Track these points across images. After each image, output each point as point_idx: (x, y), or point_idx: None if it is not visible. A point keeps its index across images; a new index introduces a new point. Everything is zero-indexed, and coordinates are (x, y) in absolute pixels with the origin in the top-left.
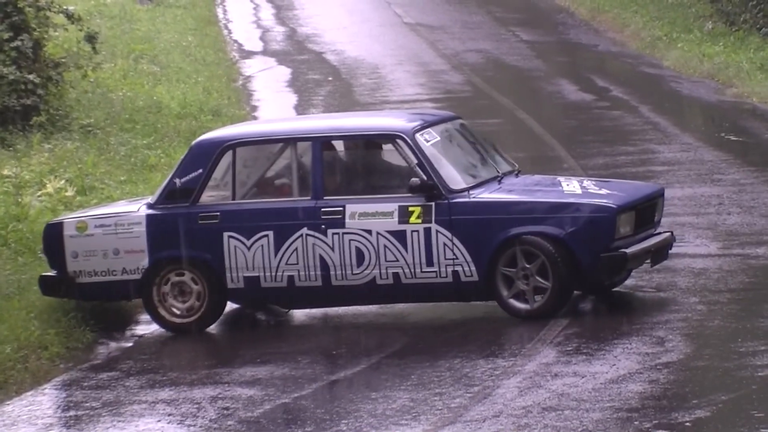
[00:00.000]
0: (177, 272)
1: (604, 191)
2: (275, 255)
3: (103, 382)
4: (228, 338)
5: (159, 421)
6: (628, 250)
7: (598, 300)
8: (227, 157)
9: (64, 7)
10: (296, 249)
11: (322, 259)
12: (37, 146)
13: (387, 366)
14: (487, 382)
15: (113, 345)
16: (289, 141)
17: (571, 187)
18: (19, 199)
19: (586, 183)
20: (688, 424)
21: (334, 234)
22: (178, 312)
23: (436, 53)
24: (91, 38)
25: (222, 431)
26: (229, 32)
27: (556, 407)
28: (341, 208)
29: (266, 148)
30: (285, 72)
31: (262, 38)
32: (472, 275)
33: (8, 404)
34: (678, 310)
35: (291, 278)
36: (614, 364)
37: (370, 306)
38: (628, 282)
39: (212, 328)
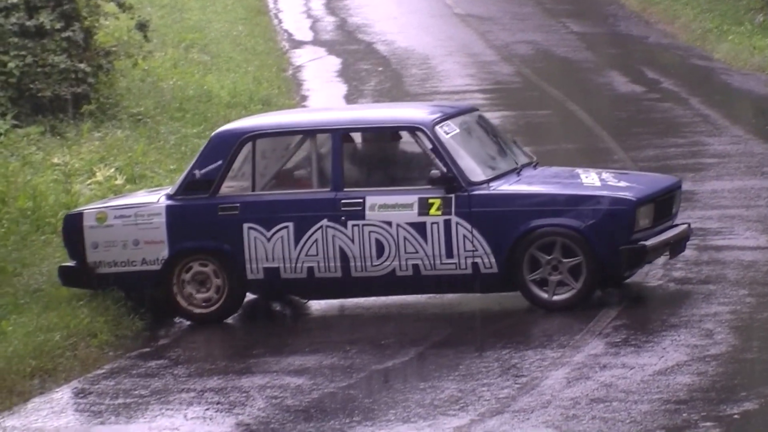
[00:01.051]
0: (196, 263)
1: (623, 183)
2: (295, 246)
3: (151, 370)
4: (275, 328)
5: (207, 409)
6: (647, 243)
7: (646, 292)
8: (247, 149)
9: None
10: (316, 240)
11: (341, 250)
12: (87, 134)
13: (435, 356)
14: (535, 373)
15: (162, 333)
16: (309, 133)
17: (590, 180)
18: (69, 187)
19: (605, 175)
20: (736, 416)
21: (354, 226)
22: (197, 302)
23: (486, 44)
24: (142, 27)
25: (270, 420)
26: (280, 22)
27: (604, 398)
28: (361, 200)
29: (286, 139)
30: (335, 62)
31: (312, 28)
32: (491, 267)
33: (57, 391)
34: (727, 302)
35: (311, 269)
36: (662, 356)
37: (418, 296)
38: (677, 274)
39: (259, 318)
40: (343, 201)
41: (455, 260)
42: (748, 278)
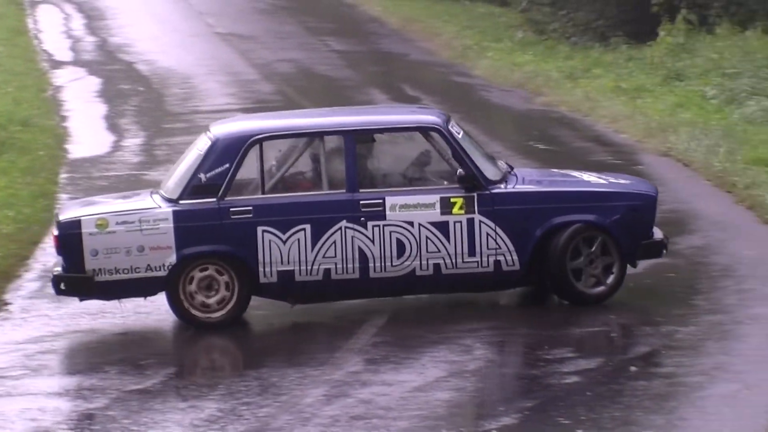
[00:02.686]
0: (204, 268)
1: (627, 181)
2: (312, 248)
3: None
4: (33, 350)
5: None
6: (664, 237)
7: (406, 310)
8: (254, 151)
9: None
10: (334, 242)
11: (361, 251)
12: None
13: (195, 375)
14: (295, 391)
15: None
16: (321, 134)
17: (595, 179)
18: None
19: (602, 175)
20: (494, 431)
21: (374, 226)
22: (204, 307)
23: (248, 63)
24: None
25: None
26: (40, 42)
27: (363, 415)
28: (381, 201)
29: (295, 141)
30: (95, 82)
31: (72, 48)
32: (513, 264)
33: None
34: (486, 318)
35: (327, 271)
36: (422, 372)
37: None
38: (434, 295)
39: (17, 339)
40: (362, 202)
41: (477, 258)
42: (504, 295)
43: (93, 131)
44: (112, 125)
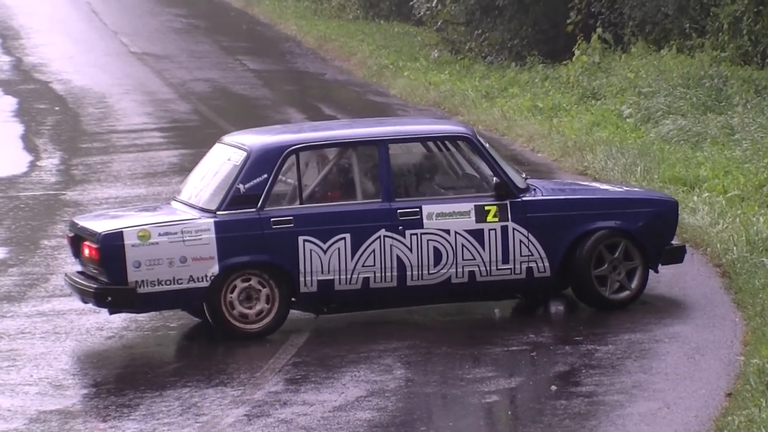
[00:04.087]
0: (246, 278)
1: (642, 189)
2: (352, 257)
3: None
4: None
5: None
6: (683, 244)
7: (325, 329)
8: (291, 161)
9: None
10: (374, 251)
11: (399, 259)
12: None
13: (114, 396)
14: (216, 412)
15: None
16: (355, 145)
17: (612, 187)
18: None
19: (614, 185)
20: None
21: (412, 235)
22: (245, 318)
23: (163, 82)
24: None
25: None
26: None
27: None
28: (418, 209)
29: (330, 152)
30: (11, 101)
31: None
32: (545, 271)
33: None
34: (405, 337)
35: (366, 280)
36: (342, 392)
37: (100, 334)
38: (350, 311)
39: None
40: (399, 210)
41: (511, 265)
42: (422, 311)
43: (9, 151)
44: (29, 145)
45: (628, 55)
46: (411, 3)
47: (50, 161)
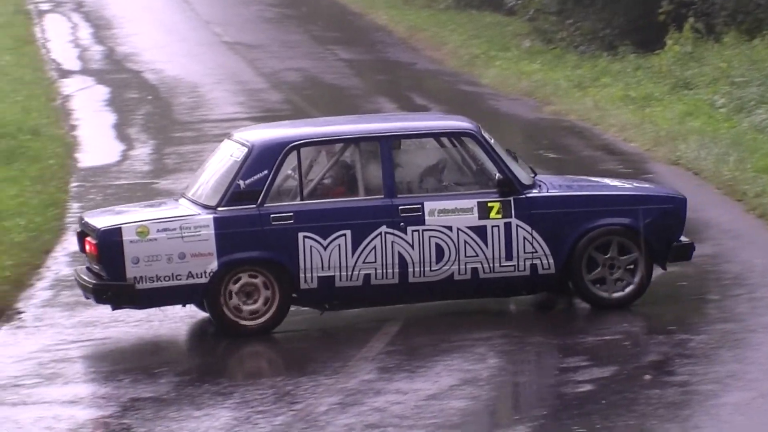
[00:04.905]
0: (245, 274)
1: (652, 185)
2: (353, 254)
3: None
4: (45, 357)
5: None
6: (692, 242)
7: (418, 318)
8: (292, 157)
9: None
10: (374, 247)
11: (400, 256)
12: None
13: (209, 384)
14: (310, 400)
15: None
16: (357, 140)
17: (622, 184)
18: None
19: (623, 181)
20: None
21: (413, 231)
22: (244, 315)
23: (255, 72)
24: None
25: None
26: (48, 51)
27: (378, 424)
28: (420, 206)
29: (332, 147)
30: (104, 91)
31: (80, 57)
32: (549, 268)
33: None
34: (498, 326)
35: (367, 276)
36: (436, 381)
37: (188, 325)
38: (451, 302)
39: (26, 347)
40: (401, 207)
41: (514, 262)
42: (515, 301)
43: (102, 140)
44: (121, 134)
45: (721, 44)
46: None
47: (143, 150)
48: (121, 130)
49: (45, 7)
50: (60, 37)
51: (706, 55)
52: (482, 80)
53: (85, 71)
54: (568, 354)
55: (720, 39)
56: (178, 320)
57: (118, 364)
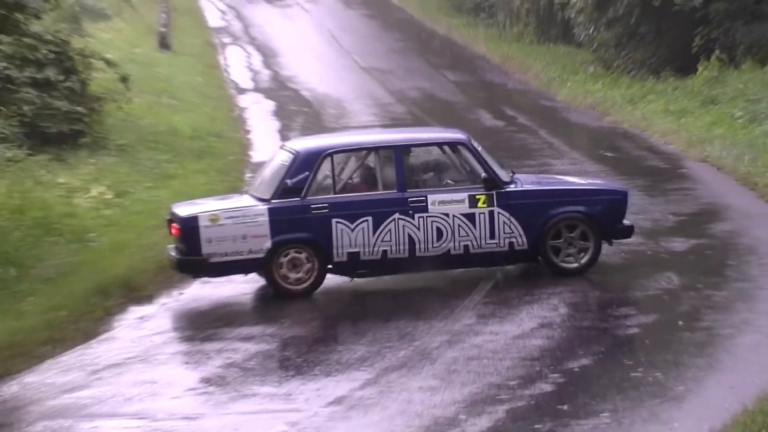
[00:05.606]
0: (292, 251)
1: (602, 181)
2: (373, 234)
3: (135, 339)
4: (226, 307)
5: (178, 367)
6: (632, 224)
7: (506, 277)
8: (327, 162)
9: (104, 55)
10: (390, 230)
11: (410, 236)
12: (84, 161)
13: (350, 326)
14: (425, 338)
15: (142, 311)
16: (377, 148)
17: (578, 180)
18: (70, 201)
19: (578, 178)
20: (576, 369)
21: (419, 217)
22: (291, 281)
23: (385, 90)
24: (124, 79)
25: (225, 375)
26: (228, 74)
27: (477, 357)
28: (424, 198)
29: (358, 154)
30: (271, 104)
31: (253, 79)
32: (523, 245)
33: (64, 355)
34: (567, 284)
35: (384, 252)
36: (520, 325)
37: (337, 282)
38: (525, 265)
39: (212, 300)
40: (410, 199)
41: (496, 240)
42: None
43: (269, 141)
44: (284, 137)
45: (740, 71)
46: (573, 30)
47: None
48: (283, 133)
49: (227, 40)
50: (238, 64)
51: (728, 79)
52: (557, 97)
53: (256, 89)
54: (620, 305)
55: (739, 66)
56: (327, 281)
57: (281, 310)
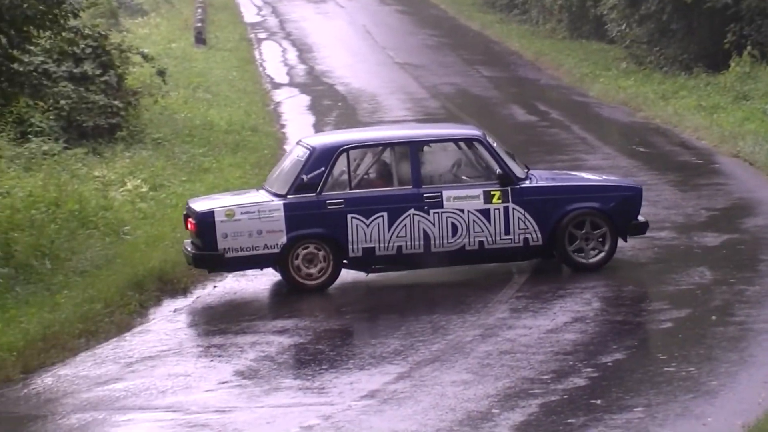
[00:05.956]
0: (307, 246)
1: (617, 178)
2: (388, 230)
3: (169, 332)
4: (259, 301)
5: (212, 360)
6: (647, 220)
7: (539, 271)
8: (343, 158)
9: (141, 50)
10: (405, 225)
11: (425, 232)
12: (120, 154)
13: (383, 320)
14: (458, 332)
15: (176, 303)
16: (392, 144)
17: (594, 176)
18: (106, 194)
19: (593, 174)
20: (609, 363)
21: (435, 213)
22: (307, 276)
23: (419, 85)
24: (161, 73)
25: (259, 368)
26: (264, 69)
27: (510, 351)
28: (439, 194)
29: (373, 149)
30: (305, 99)
31: (288, 73)
32: (538, 241)
33: (99, 347)
34: (600, 279)
35: (399, 247)
36: (553, 319)
37: (371, 275)
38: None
39: (245, 295)
40: (425, 195)
41: (511, 236)
42: (614, 260)
43: (304, 135)
44: (319, 131)
45: None
46: (605, 27)
47: None
48: (318, 128)
49: (262, 35)
50: (273, 58)
51: (760, 75)
52: (590, 92)
53: (291, 84)
54: (653, 299)
55: None
56: (357, 274)
57: (314, 304)
